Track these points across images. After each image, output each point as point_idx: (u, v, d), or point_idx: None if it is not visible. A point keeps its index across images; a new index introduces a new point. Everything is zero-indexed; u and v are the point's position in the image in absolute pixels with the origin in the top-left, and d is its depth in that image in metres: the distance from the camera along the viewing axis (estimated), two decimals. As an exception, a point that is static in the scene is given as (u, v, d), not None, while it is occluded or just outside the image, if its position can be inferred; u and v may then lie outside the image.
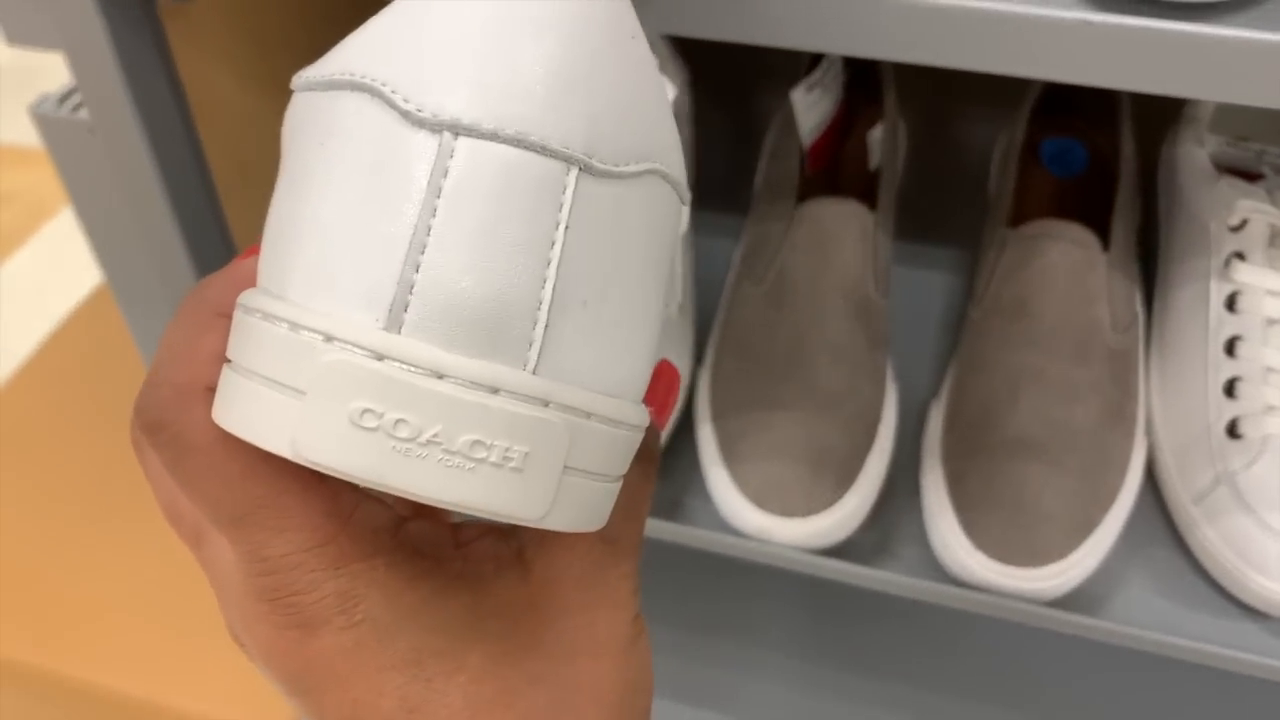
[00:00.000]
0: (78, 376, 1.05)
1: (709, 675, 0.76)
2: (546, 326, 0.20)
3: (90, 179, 0.50)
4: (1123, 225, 0.55)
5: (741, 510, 0.49)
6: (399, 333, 0.19)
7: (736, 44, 0.35)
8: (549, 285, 0.19)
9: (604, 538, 0.25)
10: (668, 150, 0.22)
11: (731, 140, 0.71)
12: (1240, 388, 0.49)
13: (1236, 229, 0.50)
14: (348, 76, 0.20)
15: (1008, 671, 0.74)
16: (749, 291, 0.55)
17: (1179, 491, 0.51)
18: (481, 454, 0.19)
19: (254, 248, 0.23)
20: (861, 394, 0.52)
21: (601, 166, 0.20)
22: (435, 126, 0.19)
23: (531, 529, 0.25)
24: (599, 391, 0.21)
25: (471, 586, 0.24)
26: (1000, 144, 0.64)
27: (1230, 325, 0.50)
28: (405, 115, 0.19)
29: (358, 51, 0.21)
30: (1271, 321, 0.49)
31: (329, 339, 0.19)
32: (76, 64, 0.41)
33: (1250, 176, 0.53)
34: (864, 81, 0.62)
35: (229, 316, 0.22)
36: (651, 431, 0.27)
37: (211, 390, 0.22)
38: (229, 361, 0.21)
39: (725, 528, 0.51)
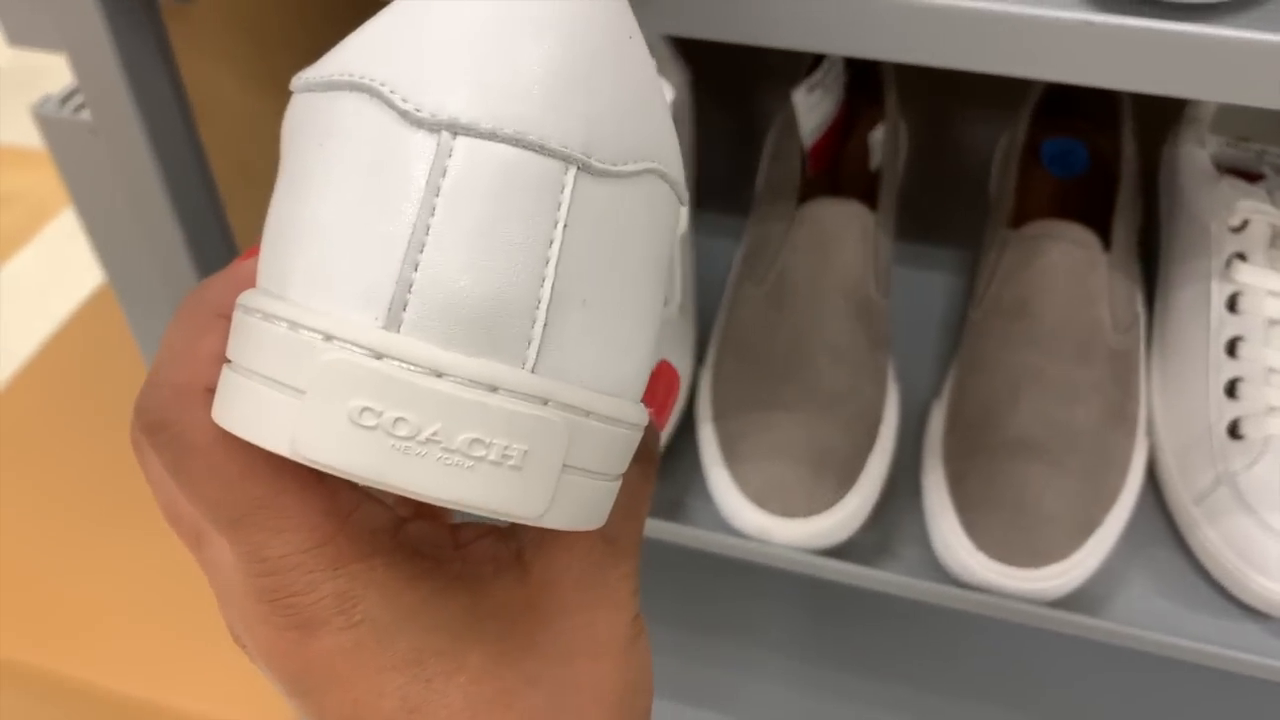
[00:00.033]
0: (79, 377, 1.05)
1: (709, 676, 0.76)
2: (545, 325, 0.20)
3: (92, 179, 0.50)
4: (1124, 226, 0.55)
5: (742, 510, 0.49)
6: (398, 331, 0.19)
7: (738, 45, 0.35)
8: (548, 284, 0.20)
9: (604, 537, 0.25)
10: (666, 150, 0.22)
11: (733, 141, 0.71)
12: (1241, 388, 0.49)
13: (1237, 229, 0.50)
14: (346, 77, 0.20)
15: (1009, 672, 0.74)
16: (750, 292, 0.55)
17: (1180, 492, 0.51)
18: (480, 452, 0.19)
19: (254, 249, 0.23)
20: (862, 394, 0.52)
21: (600, 166, 0.20)
22: (434, 126, 0.19)
23: (531, 529, 0.25)
24: (598, 390, 0.21)
25: (471, 587, 0.24)
26: (1001, 145, 0.64)
27: (1231, 326, 0.50)
28: (404, 115, 0.19)
29: (356, 52, 0.21)
30: (1273, 322, 0.49)
31: (328, 338, 0.19)
32: (78, 65, 0.41)
33: (1251, 177, 0.53)
34: (865, 82, 0.62)
35: (229, 317, 0.22)
36: (651, 431, 0.27)
37: (211, 391, 0.22)
38: (229, 361, 0.21)
39: (726, 528, 0.51)
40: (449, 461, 0.19)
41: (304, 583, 0.22)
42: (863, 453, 0.50)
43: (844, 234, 0.54)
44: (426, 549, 0.24)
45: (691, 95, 0.60)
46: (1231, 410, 0.49)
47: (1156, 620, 0.49)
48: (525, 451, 0.20)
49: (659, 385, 0.27)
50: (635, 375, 0.22)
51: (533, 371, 0.20)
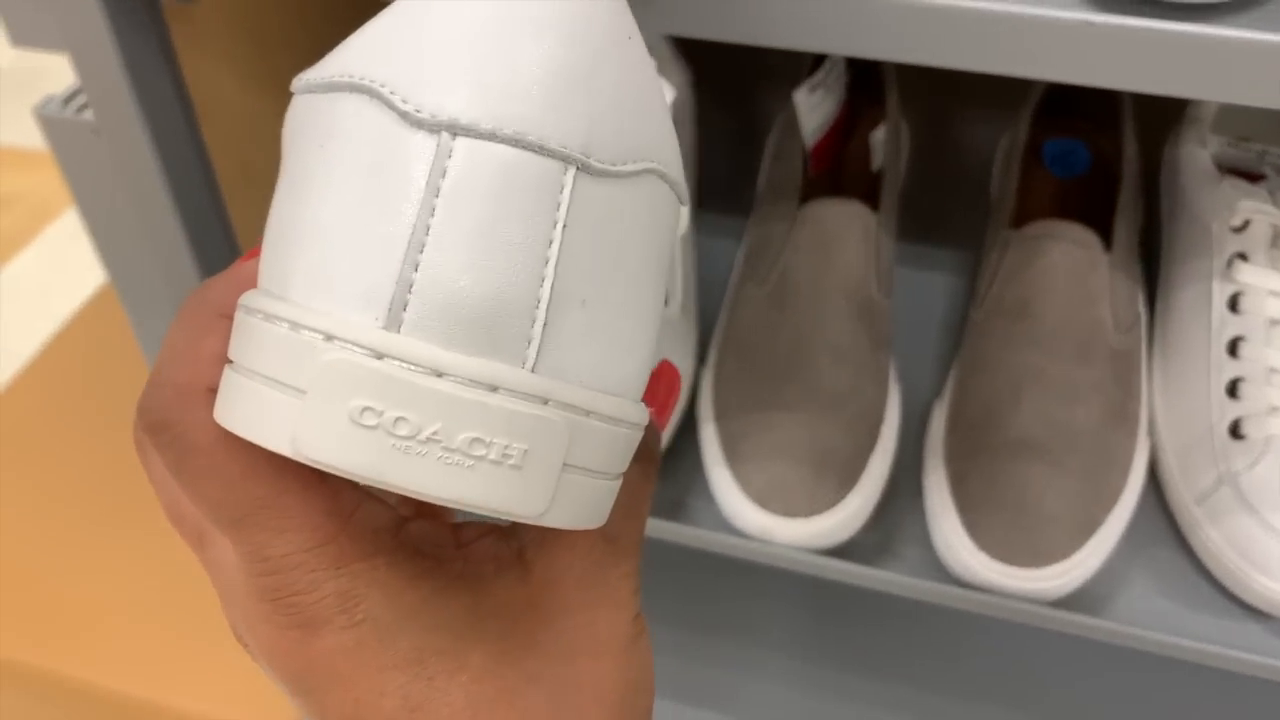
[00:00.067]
0: (80, 378, 1.05)
1: (710, 676, 0.76)
2: (545, 325, 0.20)
3: (94, 180, 0.50)
4: (1125, 226, 0.55)
5: (744, 510, 0.49)
6: (398, 331, 0.19)
7: (739, 45, 0.35)
8: (547, 284, 0.20)
9: (605, 537, 0.25)
10: (665, 150, 0.22)
11: (734, 141, 0.71)
12: (1243, 388, 0.49)
13: (1239, 230, 0.50)
14: (347, 78, 0.20)
15: (1010, 672, 0.74)
16: (752, 292, 0.55)
17: (1182, 492, 0.51)
18: (481, 451, 0.19)
19: (255, 250, 0.23)
20: (864, 394, 0.52)
21: (599, 166, 0.20)
22: (434, 127, 0.19)
23: (532, 528, 0.25)
24: (598, 389, 0.21)
25: (472, 586, 0.24)
26: (1003, 145, 0.64)
27: (1233, 326, 0.50)
28: (404, 116, 0.19)
29: (357, 53, 0.21)
30: (1274, 322, 0.49)
31: (329, 338, 0.19)
32: (81, 65, 0.41)
33: (1252, 177, 0.53)
34: (867, 82, 0.62)
35: (230, 318, 0.22)
36: (652, 431, 0.27)
37: (213, 391, 0.22)
38: (230, 362, 0.21)
39: (727, 528, 0.51)
40: (449, 461, 0.19)
41: (306, 582, 0.22)
42: (864, 453, 0.51)
43: (846, 234, 0.54)
44: (428, 548, 0.24)
45: (692, 95, 0.60)
46: (1233, 410, 0.49)
47: (1158, 620, 0.49)
48: (525, 451, 0.20)
49: (660, 385, 0.27)
50: (636, 375, 0.22)
51: (533, 371, 0.20)
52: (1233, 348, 0.50)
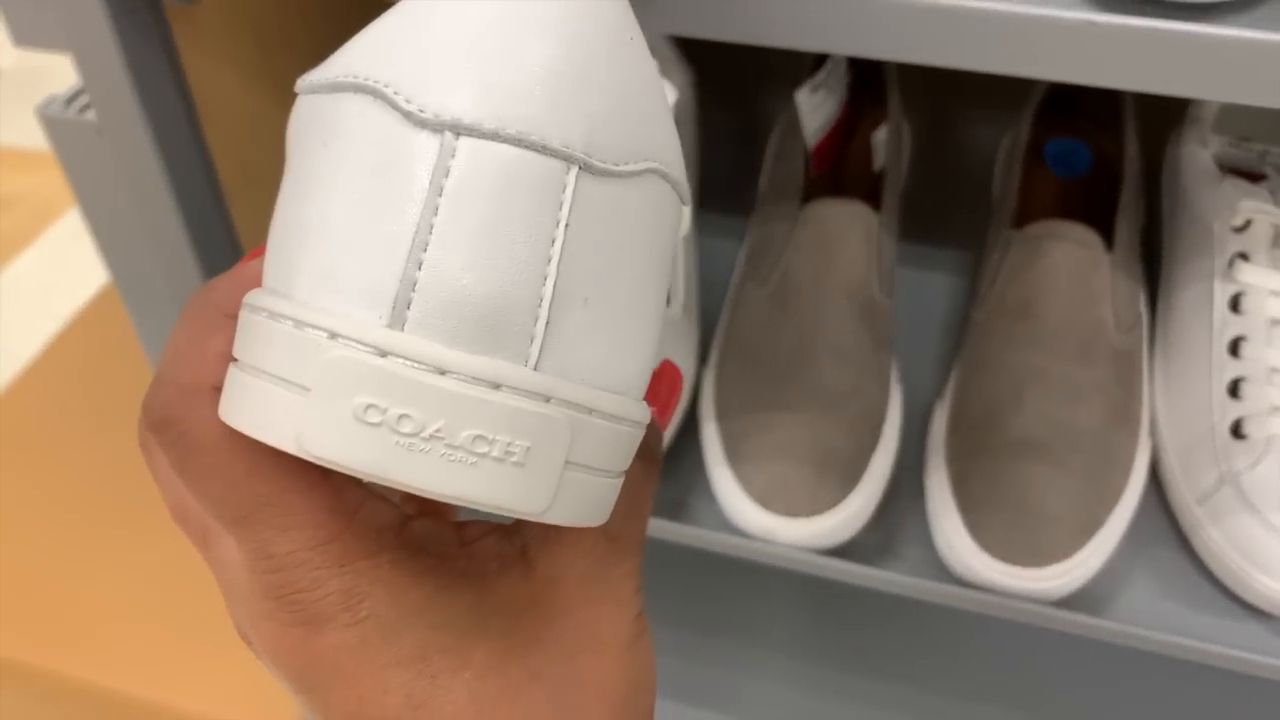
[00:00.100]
0: (82, 378, 1.05)
1: (711, 676, 0.76)
2: (548, 323, 0.20)
3: (97, 180, 0.50)
4: (1126, 226, 0.55)
5: (745, 510, 0.49)
6: (402, 329, 0.19)
7: (740, 45, 0.35)
8: (550, 282, 0.20)
9: (607, 535, 0.25)
10: (667, 150, 0.22)
11: (736, 141, 0.71)
12: (1244, 388, 0.49)
13: (1240, 230, 0.50)
14: (351, 79, 0.20)
15: (1011, 672, 0.74)
16: (753, 292, 0.55)
17: (1183, 492, 0.51)
18: (484, 449, 0.19)
19: (259, 250, 0.23)
20: (866, 394, 0.52)
21: (601, 166, 0.20)
22: (437, 127, 0.19)
23: (535, 527, 0.25)
24: (600, 387, 0.21)
25: (475, 584, 0.24)
26: (1004, 145, 0.64)
27: (1234, 326, 0.50)
28: (407, 116, 0.19)
29: (360, 54, 0.21)
30: (1276, 322, 0.49)
31: (333, 336, 0.19)
32: (84, 65, 0.41)
33: (1254, 177, 0.53)
34: (868, 82, 0.62)
35: (235, 317, 0.22)
36: (653, 431, 0.27)
37: (218, 390, 0.22)
38: (235, 360, 0.21)
39: (729, 528, 0.51)
40: (452, 458, 0.19)
41: (310, 579, 0.22)
42: (866, 453, 0.51)
43: (847, 234, 0.54)
44: (431, 546, 0.24)
45: (694, 96, 0.60)
46: (1234, 410, 0.49)
47: (1159, 620, 0.49)
48: (528, 448, 0.20)
49: (662, 385, 0.28)
50: (638, 373, 0.22)
51: (535, 369, 0.20)
52: (1234, 348, 0.50)
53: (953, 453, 0.51)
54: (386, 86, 0.20)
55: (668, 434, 0.53)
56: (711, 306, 0.59)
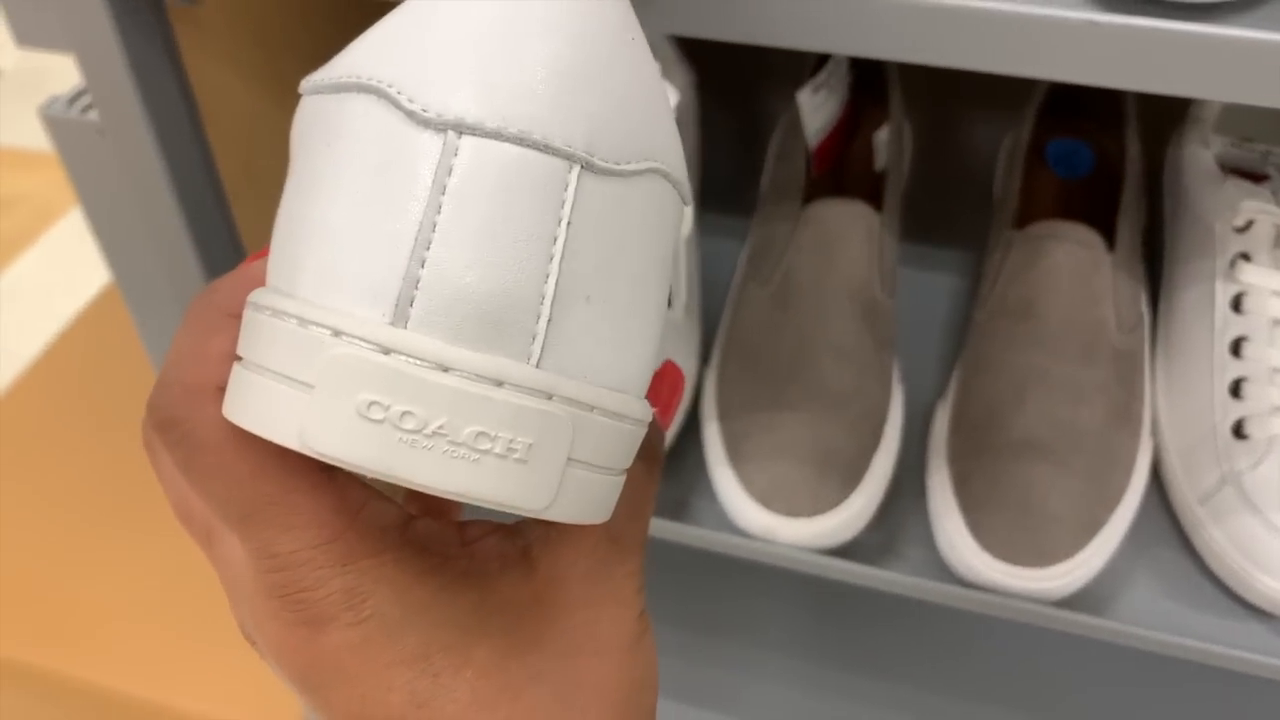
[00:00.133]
0: (83, 379, 1.05)
1: (713, 675, 0.76)
2: (549, 321, 0.20)
3: (99, 180, 0.50)
4: (1128, 226, 0.55)
5: (747, 510, 0.49)
6: (405, 327, 0.19)
7: (742, 45, 0.35)
8: (551, 280, 0.20)
9: (609, 535, 0.25)
10: (668, 150, 0.22)
11: (737, 142, 0.71)
12: (1246, 388, 0.49)
13: (1242, 230, 0.50)
14: (354, 79, 0.20)
15: (1013, 672, 0.74)
16: (755, 293, 0.56)
17: (1185, 492, 0.51)
18: (486, 445, 0.19)
19: (262, 251, 0.23)
20: (867, 395, 0.52)
21: (603, 165, 0.20)
22: (440, 126, 0.19)
23: (537, 526, 0.25)
24: (602, 385, 0.21)
25: (478, 583, 0.24)
26: (1006, 145, 0.64)
27: (1236, 326, 0.50)
28: (410, 115, 0.19)
29: (364, 54, 0.21)
30: (1277, 322, 0.49)
31: (336, 333, 0.19)
32: (86, 65, 0.41)
33: (1255, 177, 0.53)
34: (870, 83, 0.62)
35: (238, 317, 0.22)
36: (655, 430, 0.27)
37: (222, 390, 0.22)
38: (239, 358, 0.21)
39: (730, 528, 0.51)
40: (455, 454, 0.19)
41: (313, 579, 0.22)
42: (868, 453, 0.51)
43: (849, 234, 0.54)
44: (434, 546, 0.24)
45: (696, 96, 0.60)
46: (1236, 410, 0.49)
47: (1161, 620, 0.49)
48: (530, 445, 0.20)
49: (664, 385, 0.28)
50: (639, 372, 0.22)
51: (537, 366, 0.20)
52: (1236, 348, 0.50)
53: (954, 453, 0.51)
54: (390, 86, 0.20)
55: (669, 434, 0.53)
56: (713, 307, 0.59)
